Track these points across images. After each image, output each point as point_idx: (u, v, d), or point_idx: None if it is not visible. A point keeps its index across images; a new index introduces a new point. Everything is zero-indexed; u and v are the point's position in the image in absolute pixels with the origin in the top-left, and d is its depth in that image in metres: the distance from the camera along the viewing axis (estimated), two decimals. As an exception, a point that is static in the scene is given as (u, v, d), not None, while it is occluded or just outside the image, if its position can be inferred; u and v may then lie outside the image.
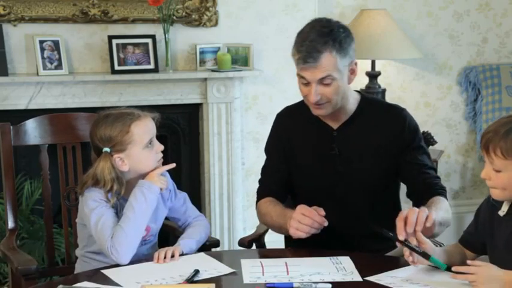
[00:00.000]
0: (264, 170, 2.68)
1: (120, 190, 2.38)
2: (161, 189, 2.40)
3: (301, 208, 2.34)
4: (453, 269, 2.03)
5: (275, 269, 2.18)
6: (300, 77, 2.42)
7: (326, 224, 2.31)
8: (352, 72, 2.46)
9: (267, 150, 2.69)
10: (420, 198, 2.44)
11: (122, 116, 2.40)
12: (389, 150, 2.50)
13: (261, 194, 2.65)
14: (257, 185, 2.68)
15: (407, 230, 2.10)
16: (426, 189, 2.48)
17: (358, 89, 4.42)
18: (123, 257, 2.28)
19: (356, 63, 2.47)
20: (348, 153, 2.51)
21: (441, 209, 2.37)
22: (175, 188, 2.57)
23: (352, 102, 2.53)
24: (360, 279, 2.12)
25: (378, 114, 2.54)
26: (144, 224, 2.35)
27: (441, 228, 2.35)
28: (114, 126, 2.38)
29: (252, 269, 2.19)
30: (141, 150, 2.39)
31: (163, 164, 2.46)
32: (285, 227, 2.39)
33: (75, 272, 2.45)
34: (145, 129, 2.40)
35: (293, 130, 2.59)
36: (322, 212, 2.32)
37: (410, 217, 2.11)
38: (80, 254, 2.49)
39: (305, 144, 2.56)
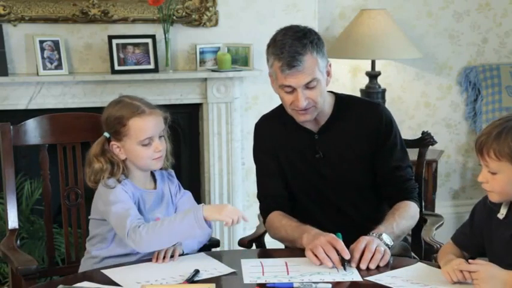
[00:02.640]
0: (261, 183, 2.63)
1: (123, 172, 2.40)
2: (227, 223, 2.30)
3: (332, 239, 2.21)
4: (455, 267, 2.03)
5: (275, 269, 2.18)
6: (284, 86, 2.40)
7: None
8: (328, 74, 2.46)
9: (257, 160, 2.64)
10: (391, 202, 2.51)
11: (127, 107, 2.41)
12: (369, 147, 2.52)
13: (266, 209, 2.58)
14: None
15: (360, 266, 2.17)
16: (396, 194, 2.53)
17: (358, 89, 4.47)
18: (143, 245, 2.24)
19: (330, 65, 2.48)
20: (331, 155, 2.52)
21: (404, 218, 2.44)
22: (180, 185, 2.58)
23: (328, 103, 2.53)
24: (360, 279, 2.12)
25: (355, 113, 2.54)
26: (171, 241, 2.28)
27: (400, 238, 2.45)
28: (116, 114, 2.41)
29: (252, 269, 2.19)
30: (136, 145, 2.39)
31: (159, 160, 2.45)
32: (299, 241, 2.33)
33: (79, 270, 2.45)
34: (143, 127, 2.39)
35: (274, 137, 2.58)
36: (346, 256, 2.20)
37: (365, 255, 2.18)
38: (89, 252, 2.49)
39: (288, 149, 2.56)
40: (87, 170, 2.44)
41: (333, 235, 2.24)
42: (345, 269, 2.15)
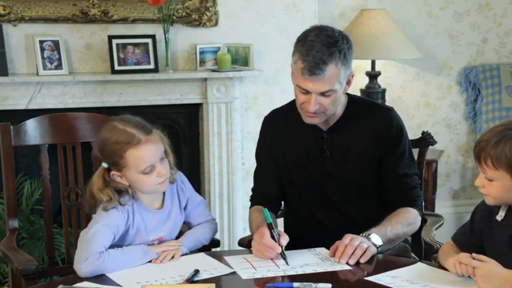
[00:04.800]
0: (256, 176, 2.69)
1: (129, 195, 2.33)
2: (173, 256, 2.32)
3: (260, 236, 2.29)
4: (460, 260, 2.04)
5: (264, 264, 2.22)
6: (300, 87, 2.40)
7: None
8: (348, 83, 2.45)
9: (258, 155, 2.68)
10: (393, 208, 2.49)
11: (122, 136, 2.27)
12: (377, 151, 2.52)
13: (252, 201, 2.68)
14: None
15: (340, 260, 2.22)
16: (398, 200, 2.52)
17: (358, 89, 4.47)
18: (83, 270, 2.18)
19: (353, 75, 2.47)
20: (338, 154, 2.53)
21: (400, 223, 2.44)
22: (193, 192, 2.54)
23: (341, 104, 2.53)
24: (347, 267, 2.17)
25: (366, 115, 2.54)
26: (122, 267, 2.23)
27: (394, 242, 2.45)
28: (110, 146, 2.29)
29: (241, 265, 2.22)
30: (137, 174, 2.29)
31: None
32: None
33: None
34: (141, 157, 2.27)
35: (282, 132, 2.59)
36: (278, 250, 2.26)
37: (346, 250, 2.22)
38: None
39: (295, 146, 2.57)
40: (91, 201, 2.33)
41: (260, 234, 2.28)
42: (284, 258, 2.23)
